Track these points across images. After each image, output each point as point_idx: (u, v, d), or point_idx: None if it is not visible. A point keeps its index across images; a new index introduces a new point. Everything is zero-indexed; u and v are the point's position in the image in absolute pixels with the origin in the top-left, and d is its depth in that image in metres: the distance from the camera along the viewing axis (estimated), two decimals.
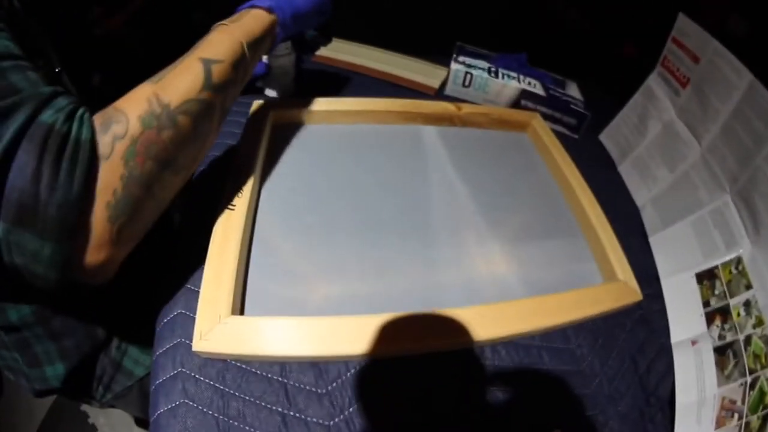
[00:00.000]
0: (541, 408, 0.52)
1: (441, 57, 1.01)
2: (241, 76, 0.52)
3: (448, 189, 0.71)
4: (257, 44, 0.55)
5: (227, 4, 0.84)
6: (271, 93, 0.80)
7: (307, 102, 0.74)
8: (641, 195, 0.82)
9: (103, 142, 0.38)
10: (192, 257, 0.54)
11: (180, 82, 0.45)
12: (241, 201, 0.57)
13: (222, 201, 0.57)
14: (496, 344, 0.55)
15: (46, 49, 0.56)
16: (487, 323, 0.52)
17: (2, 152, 0.33)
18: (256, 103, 0.73)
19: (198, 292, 0.48)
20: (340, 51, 0.98)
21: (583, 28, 1.37)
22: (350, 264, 0.58)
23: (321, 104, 0.75)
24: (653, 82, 0.85)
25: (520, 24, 1.59)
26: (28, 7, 0.51)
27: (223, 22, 0.54)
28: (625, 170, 0.88)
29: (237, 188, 0.58)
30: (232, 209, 0.56)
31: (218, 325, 0.46)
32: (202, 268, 0.50)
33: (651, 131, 0.83)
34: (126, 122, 0.40)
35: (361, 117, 0.77)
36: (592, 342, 0.60)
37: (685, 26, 0.78)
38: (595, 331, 0.61)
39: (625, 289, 0.63)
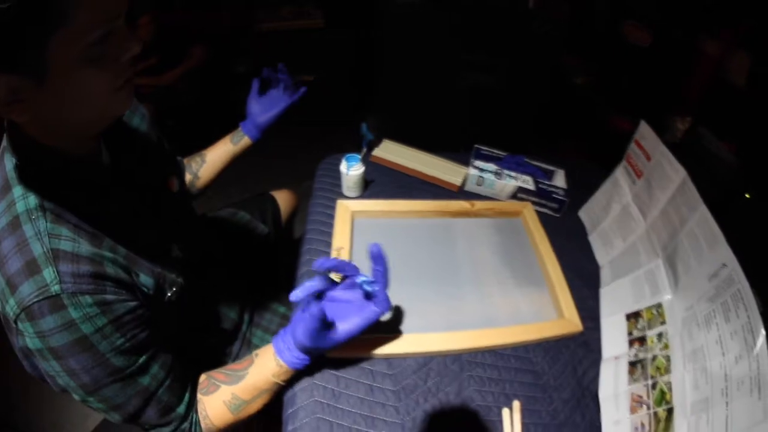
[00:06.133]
0: (508, 383, 0.80)
1: (467, 154, 1.26)
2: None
3: (466, 260, 1.02)
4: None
5: (265, 58, 1.11)
6: (350, 194, 1.10)
7: (373, 203, 1.08)
8: (602, 258, 1.05)
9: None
10: None
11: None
12: None
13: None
14: (485, 351, 0.84)
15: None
16: (482, 339, 0.84)
17: None
18: (340, 203, 1.05)
19: None
20: (388, 152, 1.25)
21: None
22: (407, 303, 0.89)
23: (382, 205, 1.08)
24: (619, 173, 1.10)
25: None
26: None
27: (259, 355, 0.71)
28: (593, 239, 1.10)
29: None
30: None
31: None
32: None
33: (613, 211, 1.07)
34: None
35: (409, 214, 1.09)
36: (543, 354, 0.84)
37: (644, 131, 1.03)
38: (546, 348, 0.85)
39: (567, 324, 0.89)
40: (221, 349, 0.95)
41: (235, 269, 1.07)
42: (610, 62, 1.70)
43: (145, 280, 0.64)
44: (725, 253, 0.71)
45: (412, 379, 0.77)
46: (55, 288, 0.52)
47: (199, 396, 0.69)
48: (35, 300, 0.51)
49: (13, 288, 0.52)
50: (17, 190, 0.55)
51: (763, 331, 0.59)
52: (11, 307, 0.53)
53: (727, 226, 0.75)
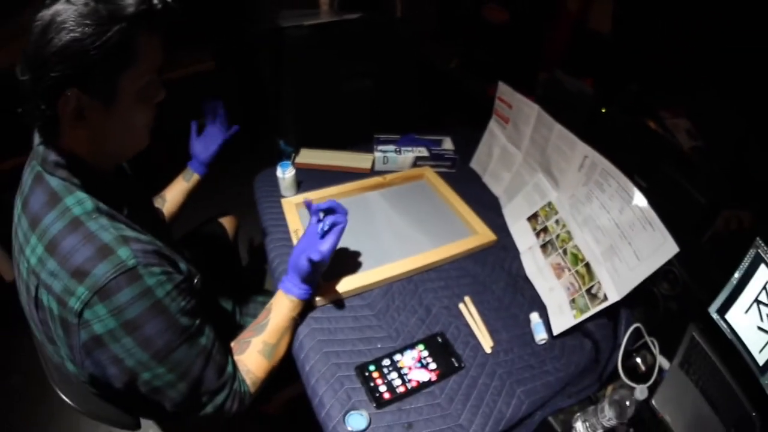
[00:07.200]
0: (455, 287, 1.00)
1: (368, 142, 1.47)
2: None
3: (393, 217, 1.23)
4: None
5: (169, 109, 1.22)
6: (287, 193, 1.26)
7: (309, 195, 1.24)
8: (497, 190, 1.28)
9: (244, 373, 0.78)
10: None
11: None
12: None
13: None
14: (428, 270, 1.03)
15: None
16: (423, 260, 1.03)
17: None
18: (284, 200, 1.22)
19: None
20: (308, 157, 1.44)
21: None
22: (361, 252, 1.06)
23: (316, 194, 1.25)
24: (492, 125, 1.35)
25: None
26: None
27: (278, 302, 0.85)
28: (487, 179, 1.34)
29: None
30: None
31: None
32: None
33: (495, 154, 1.31)
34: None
35: (339, 195, 1.27)
36: (473, 262, 1.05)
37: (502, 89, 1.28)
38: (475, 258, 1.07)
39: (482, 237, 1.10)
40: (228, 337, 1.03)
41: (218, 274, 1.19)
42: (476, 43, 2.00)
43: (183, 266, 0.72)
44: (583, 149, 0.96)
45: (383, 302, 0.93)
46: (132, 262, 0.60)
47: (236, 358, 0.79)
48: (112, 277, 0.58)
49: (83, 275, 0.58)
50: (69, 200, 0.63)
51: (632, 186, 0.83)
52: (77, 298, 0.58)
53: (596, 134, 1.01)
